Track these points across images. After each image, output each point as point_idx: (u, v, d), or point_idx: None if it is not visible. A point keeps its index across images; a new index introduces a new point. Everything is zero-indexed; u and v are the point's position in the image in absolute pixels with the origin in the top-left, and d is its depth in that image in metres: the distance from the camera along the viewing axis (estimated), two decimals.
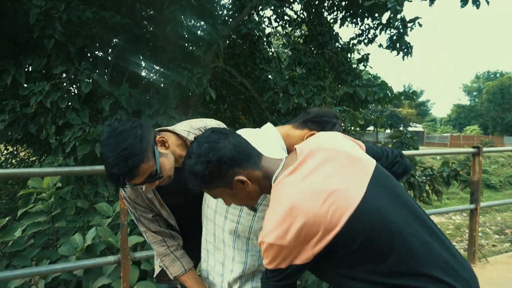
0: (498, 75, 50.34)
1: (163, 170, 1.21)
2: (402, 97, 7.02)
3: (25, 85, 4.15)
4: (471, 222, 3.75)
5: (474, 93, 52.95)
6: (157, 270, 1.61)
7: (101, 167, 2.06)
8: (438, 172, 4.96)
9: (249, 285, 1.31)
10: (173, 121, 4.77)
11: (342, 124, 1.44)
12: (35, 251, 3.05)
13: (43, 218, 3.26)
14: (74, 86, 4.29)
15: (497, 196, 18.03)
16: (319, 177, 0.97)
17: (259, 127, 1.48)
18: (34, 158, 6.30)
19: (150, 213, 1.41)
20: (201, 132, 1.19)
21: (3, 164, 6.81)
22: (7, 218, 2.86)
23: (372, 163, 1.04)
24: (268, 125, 1.45)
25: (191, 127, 1.37)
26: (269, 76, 6.41)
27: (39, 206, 3.31)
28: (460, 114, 54.58)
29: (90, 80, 4.30)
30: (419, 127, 44.61)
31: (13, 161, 6.87)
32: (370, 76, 7.28)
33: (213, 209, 1.34)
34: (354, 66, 7.98)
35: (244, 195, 1.09)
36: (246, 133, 1.37)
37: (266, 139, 1.36)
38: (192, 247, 1.53)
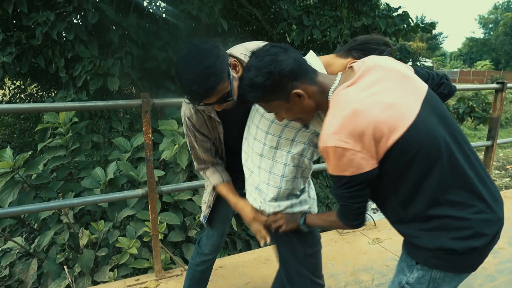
0: None
1: (235, 93, 1.22)
2: (419, 29, 6.65)
3: (28, 15, 3.93)
4: (485, 158, 3.76)
5: (490, 25, 50.21)
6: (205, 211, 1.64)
7: (126, 102, 2.01)
8: (454, 109, 4.88)
9: (288, 203, 1.37)
10: None
11: (392, 53, 1.35)
12: (59, 183, 3.14)
13: (63, 152, 3.31)
14: (79, 16, 4.06)
15: (501, 133, 18.09)
16: (378, 90, 1.01)
17: None
18: (43, 92, 6.23)
19: (208, 142, 1.44)
20: None
21: (12, 99, 6.76)
22: (30, 152, 2.88)
23: (424, 85, 1.08)
24: (310, 53, 1.40)
25: (246, 50, 1.31)
26: (282, 6, 6.02)
27: (58, 140, 3.33)
28: (472, 48, 52.36)
29: (95, 9, 4.05)
30: (428, 62, 43.22)
31: (22, 95, 6.81)
32: (385, 6, 6.82)
33: (253, 136, 1.37)
34: None
35: (299, 109, 1.11)
36: None
37: None
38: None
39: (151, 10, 5.34)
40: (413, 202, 1.02)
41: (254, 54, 1.09)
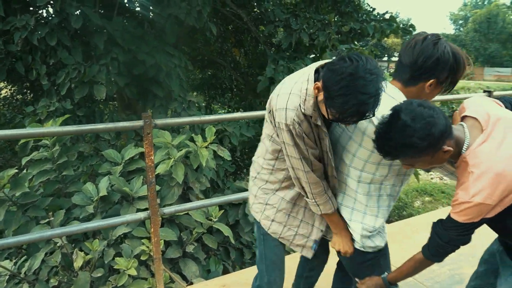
0: (486, 3, 48.94)
1: None
2: (399, 30, 6.77)
3: (5, 19, 3.70)
4: None
5: (460, 22, 51.85)
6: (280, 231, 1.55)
7: (126, 124, 1.92)
8: None
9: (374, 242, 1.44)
10: (171, 59, 4.47)
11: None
12: (47, 200, 2.99)
13: (49, 165, 3.15)
14: (61, 21, 3.86)
15: None
16: (509, 144, 1.14)
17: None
18: (20, 96, 5.91)
19: (317, 150, 1.36)
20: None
21: None
22: (15, 169, 2.72)
23: None
24: (391, 87, 1.35)
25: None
26: (268, 8, 5.96)
27: (43, 153, 3.17)
28: None
29: (78, 13, 3.87)
30: None
31: None
32: (368, 7, 6.88)
33: (348, 164, 1.38)
34: None
35: (437, 161, 1.21)
36: None
37: (396, 98, 1.28)
38: None
39: (143, 13, 5.13)
40: None
41: (405, 113, 1.12)
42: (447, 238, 1.24)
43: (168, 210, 2.18)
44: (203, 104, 8.33)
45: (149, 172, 2.05)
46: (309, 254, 1.55)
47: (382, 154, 1.19)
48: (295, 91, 1.28)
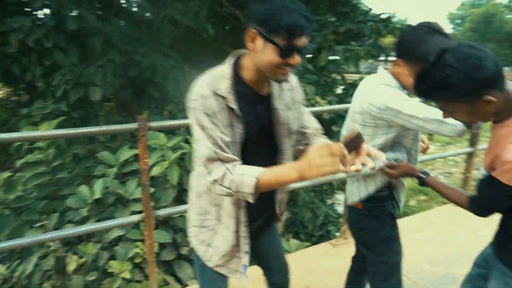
0: (483, 2, 48.92)
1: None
2: (396, 31, 6.78)
3: (1, 20, 3.69)
4: (467, 164, 3.87)
5: (457, 21, 51.85)
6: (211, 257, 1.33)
7: (121, 126, 1.91)
8: None
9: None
10: (167, 60, 4.47)
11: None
12: (41, 203, 2.98)
13: (43, 168, 3.14)
14: (58, 22, 3.85)
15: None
16: None
17: None
18: (15, 98, 5.88)
19: (227, 136, 1.14)
20: None
21: None
22: (9, 172, 2.71)
23: None
24: (380, 69, 1.50)
25: None
26: None
27: (38, 155, 3.16)
28: None
29: (76, 14, 3.85)
30: None
31: None
32: (365, 8, 6.88)
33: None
34: None
35: (477, 114, 1.08)
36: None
37: (378, 81, 1.44)
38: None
39: (134, 14, 5.11)
40: None
41: (451, 52, 1.03)
42: (489, 195, 1.16)
43: (162, 212, 2.18)
44: None
45: (143, 175, 2.04)
46: (245, 280, 1.31)
47: (417, 94, 1.12)
48: (209, 73, 1.17)
